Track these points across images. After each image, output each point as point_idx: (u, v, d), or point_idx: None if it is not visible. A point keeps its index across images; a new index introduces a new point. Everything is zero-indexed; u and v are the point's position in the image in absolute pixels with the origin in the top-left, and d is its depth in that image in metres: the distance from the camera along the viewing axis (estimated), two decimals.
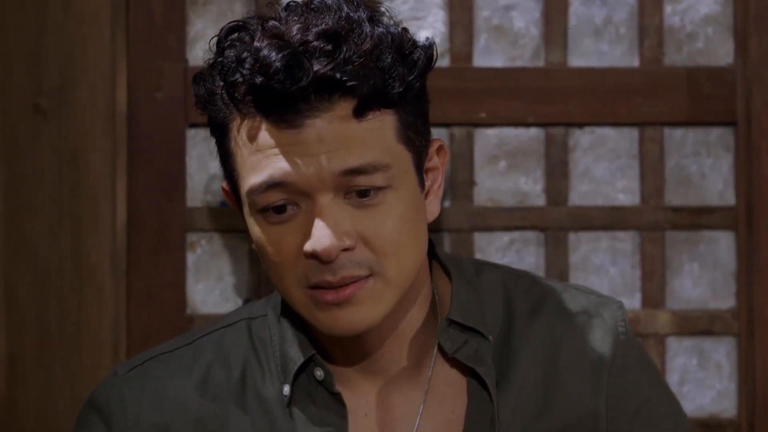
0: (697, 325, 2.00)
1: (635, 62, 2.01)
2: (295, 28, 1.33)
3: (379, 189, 1.34)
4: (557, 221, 2.00)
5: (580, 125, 2.01)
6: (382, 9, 1.39)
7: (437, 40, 1.91)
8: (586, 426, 1.46)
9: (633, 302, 2.00)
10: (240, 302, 1.97)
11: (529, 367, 1.46)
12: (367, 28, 1.33)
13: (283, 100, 1.31)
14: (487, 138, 2.00)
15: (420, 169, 1.40)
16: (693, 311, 2.00)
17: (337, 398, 1.42)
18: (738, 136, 2.00)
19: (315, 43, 1.31)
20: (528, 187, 2.01)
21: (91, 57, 1.92)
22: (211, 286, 1.98)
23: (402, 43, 1.35)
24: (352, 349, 1.44)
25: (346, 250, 1.34)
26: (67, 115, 1.92)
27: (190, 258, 1.98)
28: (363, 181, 1.34)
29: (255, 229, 1.38)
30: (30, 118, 1.91)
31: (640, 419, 1.49)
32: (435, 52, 1.38)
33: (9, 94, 1.92)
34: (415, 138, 1.38)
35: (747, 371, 1.98)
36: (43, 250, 1.91)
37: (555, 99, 1.99)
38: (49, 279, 1.91)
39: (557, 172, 2.00)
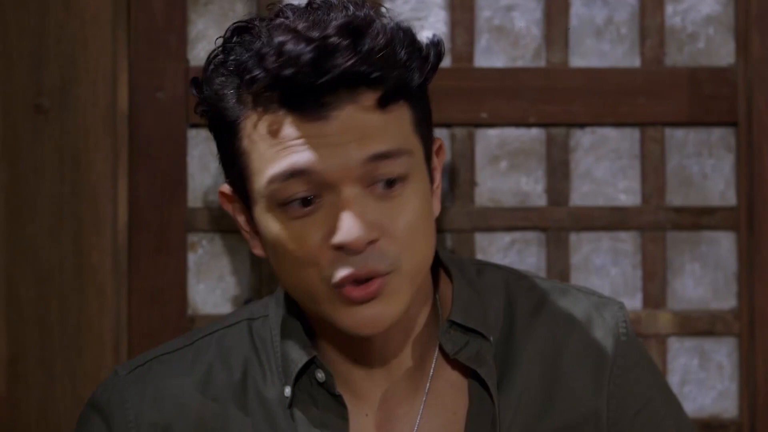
0: (699, 325, 2.00)
1: (636, 62, 2.01)
2: (310, 25, 1.33)
3: (399, 180, 1.35)
4: (558, 221, 1.99)
5: (582, 125, 2.01)
6: (383, 9, 1.40)
7: None
8: (588, 426, 1.46)
9: (634, 302, 2.00)
10: (241, 303, 1.97)
11: (531, 367, 1.46)
12: (378, 23, 1.34)
13: (310, 92, 1.32)
14: (489, 138, 2.00)
15: (429, 165, 1.41)
16: (694, 311, 2.00)
17: (339, 400, 1.42)
18: (739, 137, 2.00)
19: (335, 38, 1.31)
20: (529, 187, 2.01)
21: (93, 57, 1.92)
22: (212, 286, 1.98)
23: (413, 38, 1.37)
24: (357, 350, 1.44)
25: (371, 242, 1.34)
26: (68, 114, 1.92)
27: (191, 258, 1.98)
28: (387, 167, 1.34)
29: (273, 226, 1.37)
30: (31, 117, 1.91)
31: (641, 420, 1.49)
32: (443, 48, 1.39)
33: (10, 94, 1.92)
34: (426, 133, 1.40)
35: (748, 371, 1.98)
36: (44, 249, 1.91)
37: (556, 99, 1.99)
38: (50, 279, 1.91)
39: (558, 172, 2.00)
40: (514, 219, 2.00)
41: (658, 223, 2.00)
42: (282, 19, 1.36)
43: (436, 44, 1.39)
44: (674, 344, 2.01)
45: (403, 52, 1.35)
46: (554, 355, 1.48)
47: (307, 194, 1.34)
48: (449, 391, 1.45)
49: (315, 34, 1.32)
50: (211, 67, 1.39)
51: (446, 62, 1.98)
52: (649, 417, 1.50)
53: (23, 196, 1.91)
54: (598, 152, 2.01)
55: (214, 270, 1.98)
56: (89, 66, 1.92)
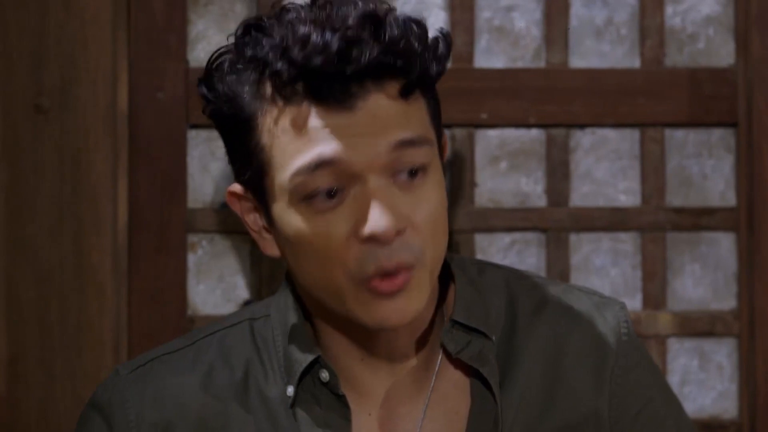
0: (698, 325, 2.00)
1: (636, 63, 2.02)
2: (327, 17, 1.33)
3: (421, 170, 1.35)
4: (558, 222, 2.00)
5: (582, 126, 2.01)
6: (385, 6, 1.40)
7: None
8: (588, 426, 1.46)
9: (634, 303, 2.00)
10: (241, 303, 1.97)
11: (533, 366, 1.46)
12: (392, 15, 1.35)
13: (337, 82, 1.32)
14: (489, 139, 2.00)
15: (441, 158, 1.42)
16: (694, 312, 2.01)
17: (342, 400, 1.42)
18: (739, 137, 2.00)
19: (356, 29, 1.31)
20: (529, 187, 2.01)
21: (93, 57, 1.92)
22: (212, 286, 1.98)
23: (425, 30, 1.37)
24: (363, 348, 1.43)
25: (398, 233, 1.34)
26: (68, 115, 1.92)
27: (191, 258, 1.97)
28: (413, 154, 1.34)
29: (296, 222, 1.36)
30: (31, 117, 1.91)
31: (641, 420, 1.49)
32: (450, 40, 1.40)
33: (10, 94, 1.92)
34: (439, 126, 1.41)
35: (748, 372, 1.98)
36: (44, 250, 1.91)
37: (556, 100, 1.99)
38: (50, 279, 1.91)
39: (558, 172, 2.00)
40: (514, 219, 2.00)
41: (658, 223, 2.00)
42: (293, 15, 1.36)
43: (444, 36, 1.39)
44: (674, 345, 2.01)
45: (417, 44, 1.35)
46: (556, 354, 1.48)
47: (333, 186, 1.34)
48: (452, 390, 1.45)
49: (337, 25, 1.32)
50: (225, 64, 1.38)
51: None
52: (649, 417, 1.50)
53: (23, 196, 1.91)
54: (598, 153, 2.01)
55: (214, 270, 1.98)
56: (89, 66, 1.92)
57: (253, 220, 1.43)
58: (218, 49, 1.41)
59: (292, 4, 1.40)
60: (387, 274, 1.34)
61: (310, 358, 1.42)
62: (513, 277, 1.52)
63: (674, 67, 2.01)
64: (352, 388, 1.44)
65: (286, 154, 1.34)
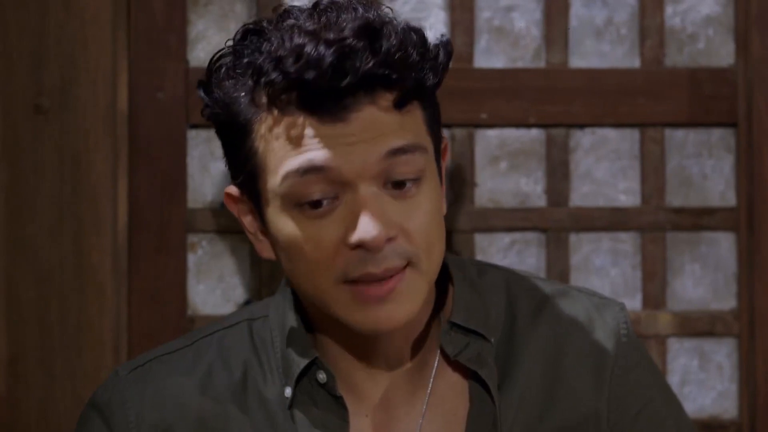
0: (698, 326, 2.00)
1: (636, 63, 2.02)
2: (324, 26, 1.33)
3: (415, 180, 1.35)
4: (558, 222, 2.00)
5: (581, 126, 2.01)
6: (387, 10, 1.39)
7: None
8: (588, 426, 1.46)
9: (634, 303, 2.00)
10: (241, 303, 1.97)
11: (532, 366, 1.46)
12: (390, 25, 1.34)
13: (330, 95, 1.32)
14: (489, 139, 2.00)
15: (439, 165, 1.41)
16: (694, 312, 2.01)
17: (339, 401, 1.42)
18: (739, 137, 2.00)
19: (353, 40, 1.31)
20: (529, 187, 2.01)
21: (93, 57, 1.92)
22: (211, 286, 1.98)
23: (424, 39, 1.36)
24: (360, 350, 1.43)
25: (389, 240, 1.34)
26: (68, 115, 1.92)
27: (191, 259, 1.98)
28: (404, 163, 1.34)
29: (287, 226, 1.37)
30: (31, 118, 1.92)
31: (641, 420, 1.49)
32: (451, 48, 1.39)
33: (10, 94, 1.92)
34: (437, 132, 1.40)
35: (748, 372, 1.98)
36: (44, 250, 1.91)
37: (556, 100, 1.99)
38: (50, 279, 1.91)
39: (558, 172, 2.00)
40: (513, 220, 2.00)
41: (658, 223, 2.00)
42: (292, 20, 1.36)
43: (445, 44, 1.39)
44: (674, 345, 2.01)
45: (415, 54, 1.35)
46: (555, 354, 1.48)
47: (324, 193, 1.34)
48: (450, 392, 1.45)
49: (332, 36, 1.31)
50: (223, 69, 1.38)
51: None
52: (649, 417, 1.50)
53: (23, 196, 1.92)
54: (598, 153, 2.01)
55: (214, 270, 1.98)
56: (89, 66, 1.92)
57: (250, 222, 1.43)
58: (219, 51, 1.40)
59: (294, 6, 1.40)
60: (374, 279, 1.34)
61: (307, 359, 1.42)
62: (513, 278, 1.52)
63: (674, 67, 2.01)
64: (350, 390, 1.44)
65: (278, 158, 1.34)
